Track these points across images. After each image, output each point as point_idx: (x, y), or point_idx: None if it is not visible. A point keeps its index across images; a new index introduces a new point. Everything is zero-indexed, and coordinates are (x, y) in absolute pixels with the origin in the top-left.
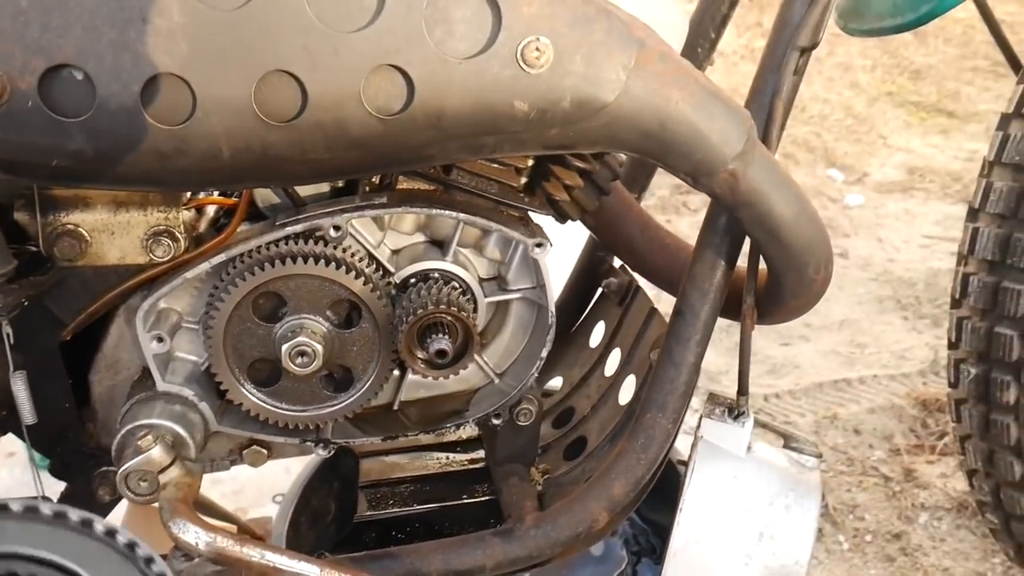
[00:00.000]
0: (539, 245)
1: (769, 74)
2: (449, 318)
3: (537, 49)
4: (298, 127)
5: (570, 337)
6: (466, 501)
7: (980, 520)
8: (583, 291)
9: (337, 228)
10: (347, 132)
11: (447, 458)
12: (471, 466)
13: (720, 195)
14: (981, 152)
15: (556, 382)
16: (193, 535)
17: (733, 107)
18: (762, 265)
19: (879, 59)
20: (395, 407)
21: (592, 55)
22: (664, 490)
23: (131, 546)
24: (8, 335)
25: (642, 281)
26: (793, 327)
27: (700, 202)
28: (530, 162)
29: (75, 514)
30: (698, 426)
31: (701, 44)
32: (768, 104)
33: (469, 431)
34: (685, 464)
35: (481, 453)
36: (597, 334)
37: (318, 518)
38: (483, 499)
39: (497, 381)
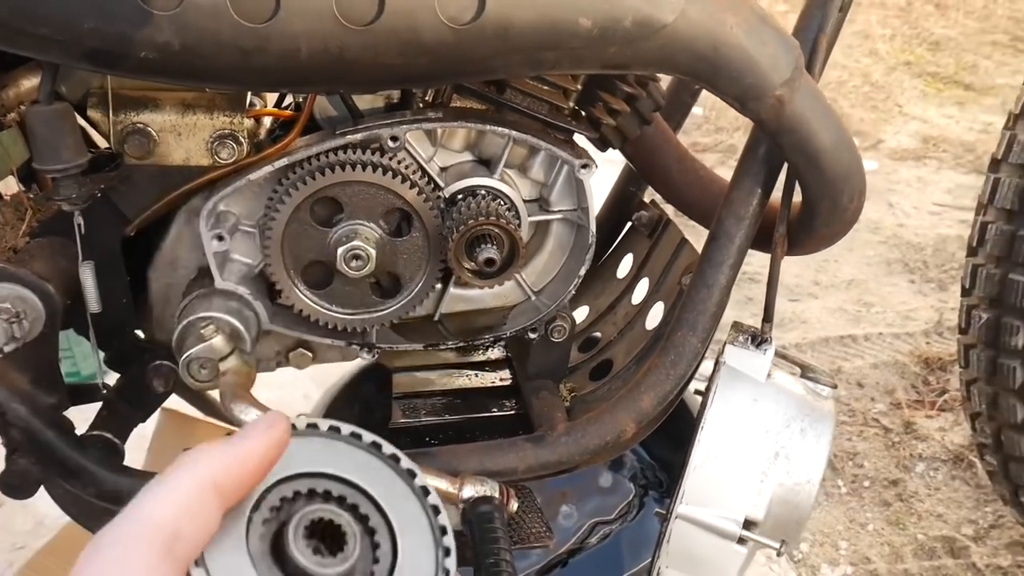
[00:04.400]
0: (585, 166)
1: (815, 10)
2: (497, 230)
3: None
4: (374, 31)
5: (597, 270)
6: (496, 414)
7: (975, 472)
8: (612, 225)
9: (395, 139)
10: (419, 39)
11: (476, 375)
12: (500, 383)
13: (765, 120)
14: (997, 124)
15: (581, 312)
16: (254, 417)
17: (783, 35)
18: (795, 198)
19: (899, 29)
20: (435, 318)
21: None
22: (671, 428)
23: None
24: (80, 225)
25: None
26: (802, 284)
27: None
28: (579, 86)
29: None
30: (721, 352)
31: None
32: (813, 39)
33: (497, 353)
34: (701, 394)
35: (507, 373)
36: (624, 267)
37: None
38: (512, 413)
39: (534, 298)
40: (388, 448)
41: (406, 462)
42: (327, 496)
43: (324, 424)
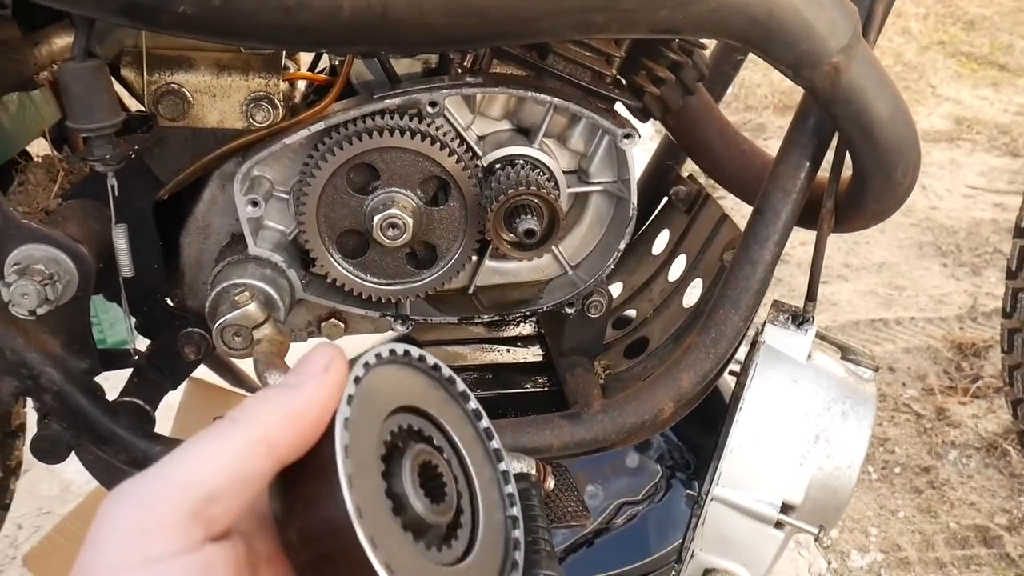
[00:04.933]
0: (628, 136)
1: None
2: (536, 200)
3: None
4: None
5: (632, 246)
6: (529, 390)
7: (1008, 461)
8: (647, 201)
9: (434, 104)
10: None
11: (507, 351)
12: (531, 359)
13: (820, 89)
14: None
15: (615, 289)
16: None
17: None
18: (844, 174)
19: (932, 7)
20: (470, 291)
21: None
22: (700, 409)
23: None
24: (114, 187)
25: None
26: (832, 266)
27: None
28: (623, 53)
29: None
30: (760, 331)
31: None
32: (870, 3)
33: (528, 329)
34: (735, 375)
35: (539, 349)
36: (659, 243)
37: None
38: (544, 390)
39: (571, 272)
40: (474, 403)
41: (486, 422)
42: (419, 435)
43: (431, 358)
